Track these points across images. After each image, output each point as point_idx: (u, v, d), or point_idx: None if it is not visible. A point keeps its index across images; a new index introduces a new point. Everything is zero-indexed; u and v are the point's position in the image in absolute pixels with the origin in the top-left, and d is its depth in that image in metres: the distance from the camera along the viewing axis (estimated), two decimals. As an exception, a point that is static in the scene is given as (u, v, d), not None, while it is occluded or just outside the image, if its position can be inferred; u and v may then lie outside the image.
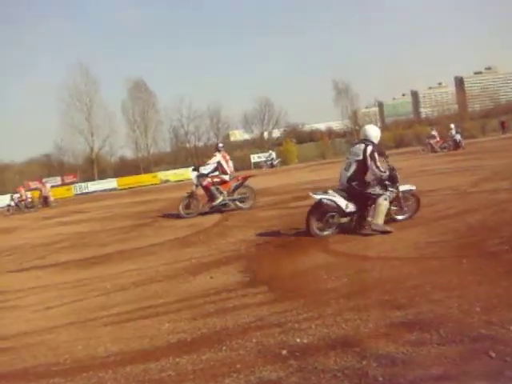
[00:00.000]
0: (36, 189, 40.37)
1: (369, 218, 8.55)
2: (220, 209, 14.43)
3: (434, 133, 35.96)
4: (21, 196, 33.70)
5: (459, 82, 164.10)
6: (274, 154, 52.52)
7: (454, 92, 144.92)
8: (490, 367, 3.24)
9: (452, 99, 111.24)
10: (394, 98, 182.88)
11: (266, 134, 72.75)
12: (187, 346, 4.39)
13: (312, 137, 78.40)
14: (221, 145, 15.74)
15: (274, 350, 4.00)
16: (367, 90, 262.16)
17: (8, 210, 33.53)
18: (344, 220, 8.64)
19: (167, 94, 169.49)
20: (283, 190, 19.65)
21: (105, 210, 23.48)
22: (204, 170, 15.11)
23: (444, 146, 34.61)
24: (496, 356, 3.37)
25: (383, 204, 8.43)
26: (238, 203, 14.48)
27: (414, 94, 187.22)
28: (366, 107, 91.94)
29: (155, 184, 50.51)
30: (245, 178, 15.01)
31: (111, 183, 54.06)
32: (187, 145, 69.69)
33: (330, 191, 8.71)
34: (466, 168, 17.97)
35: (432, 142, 35.19)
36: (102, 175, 60.23)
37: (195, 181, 14.99)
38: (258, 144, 70.04)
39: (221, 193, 14.41)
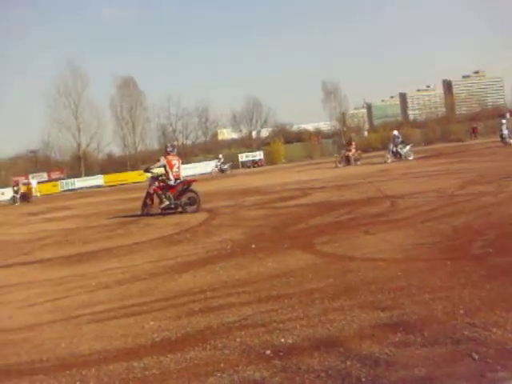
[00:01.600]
0: (24, 184, 41.02)
1: None
2: (177, 210, 14.71)
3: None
4: (18, 188, 35.51)
5: (447, 86, 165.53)
6: (223, 158, 49.69)
7: (441, 95, 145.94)
8: (473, 369, 3.25)
9: (440, 102, 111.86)
10: (382, 100, 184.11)
11: (254, 134, 72.82)
12: (171, 344, 4.37)
13: (300, 137, 78.50)
14: (169, 148, 15.56)
15: (258, 349, 3.99)
16: (356, 92, 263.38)
17: (14, 201, 35.98)
18: None
19: (156, 93, 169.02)
20: (270, 190, 19.69)
21: (91, 206, 23.38)
22: (152, 171, 15.42)
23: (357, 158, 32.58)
24: (478, 358, 3.39)
25: None
26: (185, 206, 14.59)
27: (403, 96, 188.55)
28: (355, 108, 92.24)
29: (142, 181, 50.22)
30: (189, 183, 15.10)
31: (98, 180, 53.93)
32: (175, 143, 69.48)
33: None
34: (452, 171, 18.08)
35: (349, 153, 32.40)
36: (89, 172, 60.02)
37: (149, 182, 15.35)
38: (247, 143, 70.15)
39: (168, 197, 14.61)
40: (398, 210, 10.58)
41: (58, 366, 4.15)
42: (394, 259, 6.52)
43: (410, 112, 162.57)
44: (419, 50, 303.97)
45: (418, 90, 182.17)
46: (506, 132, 33.24)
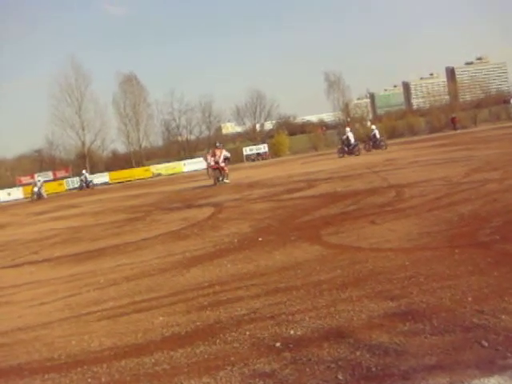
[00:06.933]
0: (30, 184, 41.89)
1: None
2: None
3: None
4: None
5: (450, 73, 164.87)
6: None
7: (445, 82, 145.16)
8: (483, 356, 3.25)
9: (443, 90, 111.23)
10: (385, 90, 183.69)
11: (258, 127, 72.69)
12: (181, 339, 4.38)
13: (304, 129, 78.32)
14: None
15: (268, 342, 4.00)
16: (359, 82, 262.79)
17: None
18: None
19: (158, 88, 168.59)
20: (275, 183, 19.68)
21: (97, 204, 23.47)
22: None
23: None
24: (488, 345, 3.39)
25: None
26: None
27: (406, 85, 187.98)
28: (358, 99, 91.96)
29: (147, 178, 50.45)
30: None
31: (103, 177, 54.09)
32: (179, 138, 69.54)
33: None
34: (457, 159, 18.01)
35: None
36: (94, 169, 60.04)
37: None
38: (251, 136, 70.07)
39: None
40: (404, 200, 10.56)
41: (69, 364, 4.17)
42: (401, 249, 6.52)
43: (413, 100, 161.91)
44: (422, 37, 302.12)
45: (422, 78, 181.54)
46: None
